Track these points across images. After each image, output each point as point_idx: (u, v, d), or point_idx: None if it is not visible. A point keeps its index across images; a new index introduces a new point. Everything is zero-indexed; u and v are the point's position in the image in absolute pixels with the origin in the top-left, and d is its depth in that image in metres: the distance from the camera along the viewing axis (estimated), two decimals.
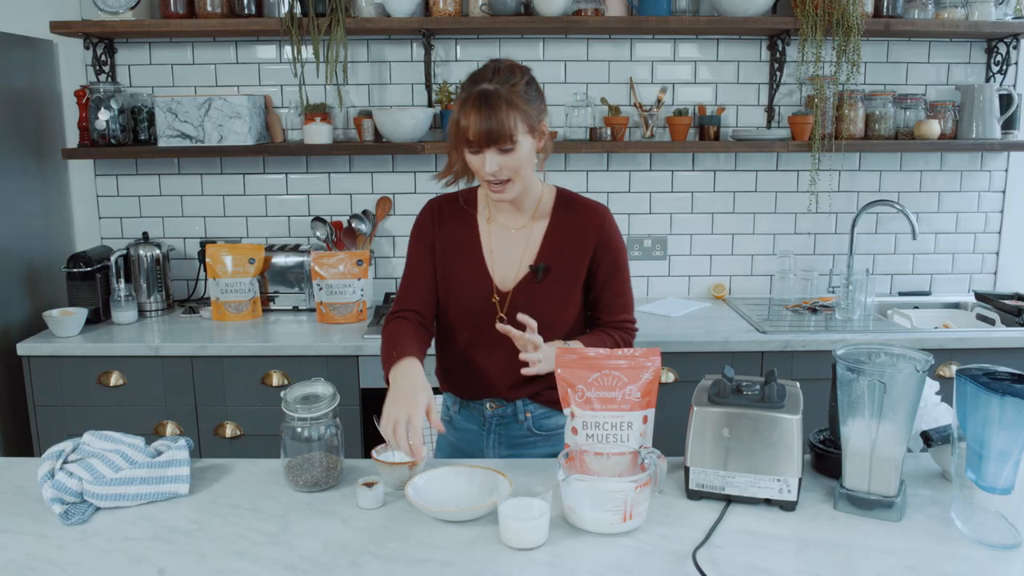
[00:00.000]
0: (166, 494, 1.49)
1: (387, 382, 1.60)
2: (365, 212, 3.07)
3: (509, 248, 1.77)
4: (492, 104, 1.58)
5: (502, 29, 2.92)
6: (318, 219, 3.02)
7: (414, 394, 1.51)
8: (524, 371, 1.62)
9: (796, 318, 2.87)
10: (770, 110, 3.11)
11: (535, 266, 1.74)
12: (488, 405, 1.81)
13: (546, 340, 1.66)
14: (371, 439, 2.61)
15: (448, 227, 1.80)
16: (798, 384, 1.53)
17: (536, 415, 1.80)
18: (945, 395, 1.67)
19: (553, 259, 1.74)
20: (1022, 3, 2.94)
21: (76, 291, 2.81)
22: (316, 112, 2.97)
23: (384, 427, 1.48)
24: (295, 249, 3.01)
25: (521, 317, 1.63)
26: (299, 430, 1.53)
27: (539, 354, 1.61)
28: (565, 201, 1.79)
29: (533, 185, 1.75)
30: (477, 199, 1.83)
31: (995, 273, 3.27)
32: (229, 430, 2.64)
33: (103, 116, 2.86)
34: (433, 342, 1.87)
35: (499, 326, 1.63)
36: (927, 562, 1.27)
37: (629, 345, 1.78)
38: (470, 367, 1.80)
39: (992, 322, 2.93)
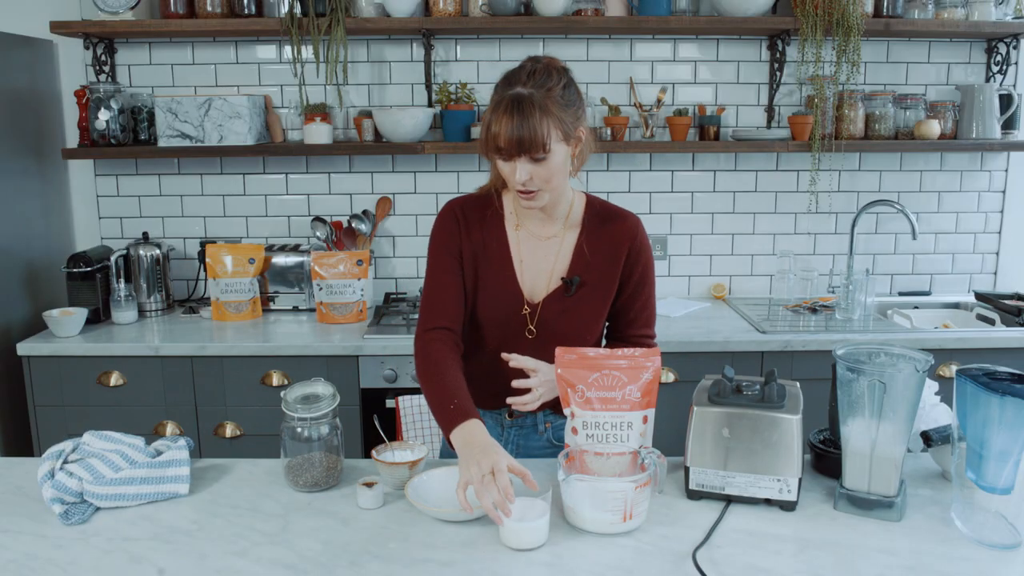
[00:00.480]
0: (166, 494, 1.49)
1: (446, 439, 1.52)
2: (365, 212, 3.07)
3: (539, 258, 1.69)
4: (525, 110, 1.47)
5: (502, 29, 2.92)
6: (318, 219, 3.02)
7: (494, 450, 1.39)
8: (513, 403, 1.56)
9: (796, 318, 2.87)
10: (770, 110, 3.11)
11: (568, 279, 1.66)
12: (507, 413, 1.75)
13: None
14: (371, 439, 2.61)
15: (475, 232, 1.69)
16: (798, 384, 1.54)
17: (556, 426, 1.76)
18: (945, 395, 1.67)
19: (585, 271, 1.67)
20: (1022, 3, 2.94)
21: (76, 291, 2.81)
22: (316, 112, 2.97)
23: (466, 483, 1.35)
24: (295, 249, 3.01)
25: (518, 362, 1.57)
26: (299, 430, 1.53)
27: (535, 393, 1.56)
28: (596, 210, 1.71)
29: (565, 193, 1.66)
30: (503, 203, 1.72)
31: (995, 273, 3.27)
32: (229, 430, 2.64)
33: (103, 116, 2.86)
34: None
35: (513, 359, 1.57)
36: (927, 562, 1.27)
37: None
38: (494, 376, 1.68)
39: (992, 322, 2.93)
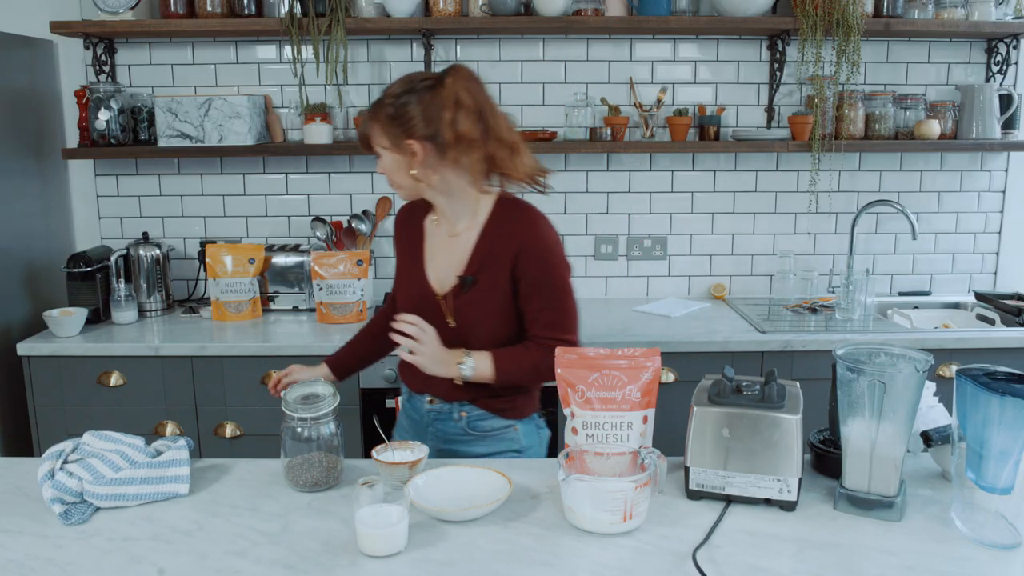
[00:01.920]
0: (166, 494, 1.49)
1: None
2: (365, 212, 3.07)
3: (446, 255, 1.80)
4: (374, 111, 1.71)
5: (502, 29, 2.92)
6: (318, 219, 3.02)
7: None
8: (400, 352, 1.73)
9: (796, 318, 2.87)
10: (770, 110, 3.11)
11: (463, 277, 1.75)
12: (428, 400, 1.84)
13: (484, 350, 1.73)
14: (371, 439, 2.61)
15: (408, 226, 1.88)
16: (798, 384, 1.53)
17: (472, 416, 1.81)
18: (944, 395, 1.67)
19: (480, 270, 1.74)
20: (1022, 3, 2.94)
21: (76, 291, 2.81)
22: (316, 112, 2.97)
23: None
24: (295, 249, 3.01)
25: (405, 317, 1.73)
26: (299, 430, 1.53)
27: (423, 347, 1.69)
28: (503, 208, 1.77)
29: (455, 195, 1.75)
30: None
31: (995, 273, 3.27)
32: (229, 430, 2.64)
33: (103, 116, 2.86)
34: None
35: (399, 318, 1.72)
36: (927, 562, 1.27)
37: (545, 364, 1.66)
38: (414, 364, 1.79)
39: (992, 322, 2.93)
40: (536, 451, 1.90)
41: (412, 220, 1.87)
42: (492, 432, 1.82)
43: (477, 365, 1.71)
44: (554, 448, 2.58)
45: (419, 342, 1.69)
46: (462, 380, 1.73)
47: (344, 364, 2.01)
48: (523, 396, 1.85)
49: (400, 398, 1.97)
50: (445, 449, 1.84)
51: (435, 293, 1.78)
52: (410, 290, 1.84)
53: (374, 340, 2.00)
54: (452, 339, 1.74)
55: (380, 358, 2.05)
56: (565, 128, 3.02)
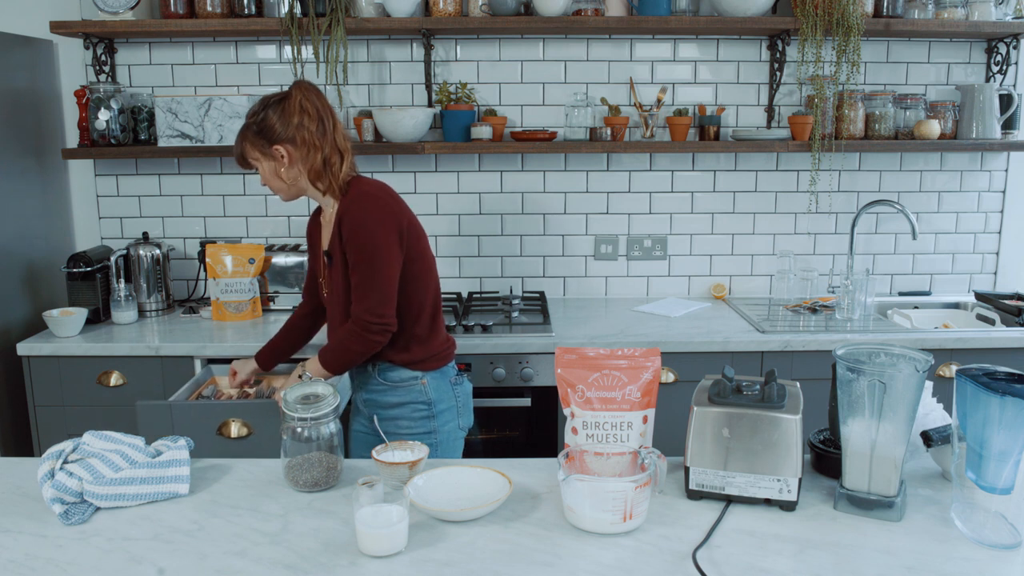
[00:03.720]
0: (166, 494, 1.49)
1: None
2: None
3: (325, 238, 2.13)
4: (238, 136, 2.05)
5: (502, 29, 2.92)
6: None
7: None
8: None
9: (796, 318, 2.87)
10: (770, 110, 3.11)
11: (325, 252, 2.10)
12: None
13: (343, 320, 2.04)
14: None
15: (314, 224, 2.21)
16: (798, 384, 1.54)
17: (380, 367, 2.10)
18: (944, 395, 1.67)
19: (332, 248, 2.04)
20: (1022, 3, 2.94)
21: (76, 291, 2.81)
22: None
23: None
24: (295, 249, 3.01)
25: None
26: (299, 430, 1.53)
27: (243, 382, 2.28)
28: (348, 193, 2.04)
29: (302, 190, 2.08)
30: None
31: (995, 273, 3.27)
32: (230, 430, 2.63)
33: (103, 116, 2.86)
34: None
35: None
36: (927, 562, 1.27)
37: (357, 341, 1.99)
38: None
39: (992, 322, 2.93)
40: (448, 404, 2.14)
41: (316, 218, 2.21)
42: (401, 383, 2.09)
43: (309, 366, 2.03)
44: (552, 446, 2.59)
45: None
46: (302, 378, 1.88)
47: (267, 357, 2.31)
48: (422, 350, 2.09)
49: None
50: (368, 400, 2.13)
51: (321, 274, 2.17)
52: (313, 274, 2.24)
53: (288, 333, 2.32)
54: (329, 308, 2.14)
55: (296, 351, 2.35)
56: (565, 128, 3.02)
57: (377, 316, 1.97)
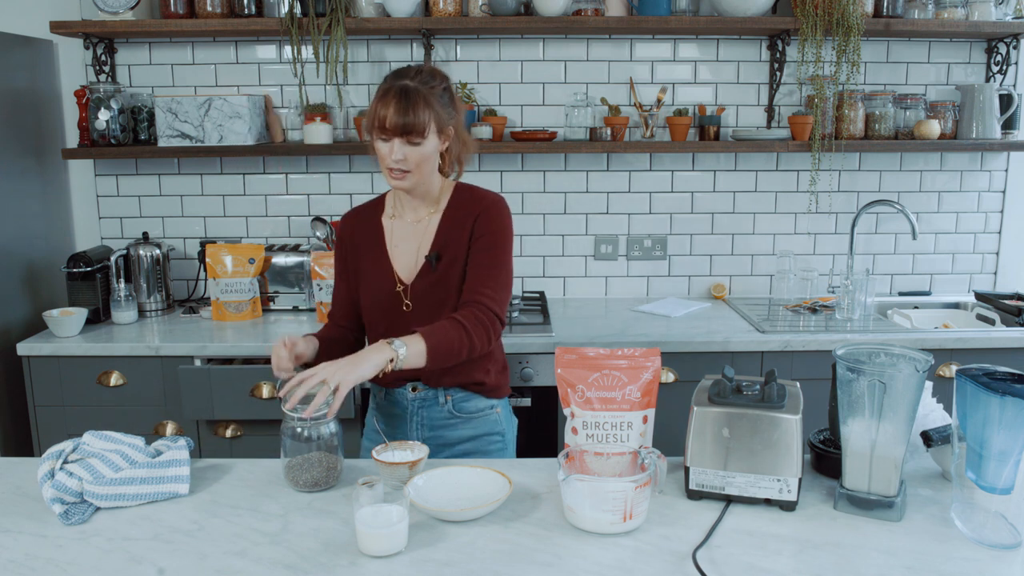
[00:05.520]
0: (166, 494, 1.49)
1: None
2: None
3: (409, 241, 1.87)
4: (412, 99, 1.70)
5: (502, 29, 2.92)
6: (318, 219, 3.02)
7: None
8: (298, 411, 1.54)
9: (796, 318, 2.87)
10: (770, 110, 3.11)
11: (429, 255, 1.83)
12: (411, 388, 1.88)
13: None
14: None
15: (358, 232, 1.92)
16: (798, 384, 1.54)
17: (456, 398, 1.88)
18: (944, 395, 1.67)
19: (444, 247, 1.83)
20: (1022, 3, 2.94)
21: (76, 291, 2.81)
22: (316, 112, 2.97)
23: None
24: (295, 249, 3.01)
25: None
26: (299, 430, 1.53)
27: (326, 373, 1.54)
28: (463, 195, 1.89)
29: (433, 181, 1.84)
30: (385, 201, 1.95)
31: (995, 273, 3.27)
32: (229, 430, 2.64)
33: (103, 116, 2.86)
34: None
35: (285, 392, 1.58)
36: (927, 562, 1.27)
37: (476, 330, 1.71)
38: None
39: (992, 322, 2.93)
40: (512, 436, 1.99)
41: (366, 224, 1.92)
42: (476, 414, 1.90)
43: (410, 352, 1.63)
44: (552, 446, 2.59)
45: (317, 380, 1.54)
46: (395, 363, 1.62)
47: (325, 345, 1.88)
48: (499, 375, 1.92)
49: (370, 402, 2.00)
50: (431, 437, 1.89)
51: (400, 281, 1.85)
52: (375, 284, 1.87)
53: (331, 343, 1.89)
54: (406, 322, 1.81)
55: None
56: (565, 128, 3.02)
57: (504, 312, 1.79)
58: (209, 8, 2.82)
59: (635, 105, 3.08)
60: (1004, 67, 3.07)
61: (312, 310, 2.99)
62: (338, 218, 3.09)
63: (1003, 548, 1.30)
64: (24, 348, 2.60)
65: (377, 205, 1.95)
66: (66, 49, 3.05)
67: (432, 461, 1.64)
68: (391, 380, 1.86)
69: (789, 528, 1.38)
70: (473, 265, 1.81)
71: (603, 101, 3.07)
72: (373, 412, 1.99)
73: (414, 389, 1.88)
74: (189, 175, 3.14)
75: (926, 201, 3.20)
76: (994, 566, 1.26)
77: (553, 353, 1.76)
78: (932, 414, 1.63)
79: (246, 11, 2.83)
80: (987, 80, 3.11)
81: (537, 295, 3.14)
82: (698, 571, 1.24)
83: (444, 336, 1.68)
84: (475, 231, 1.82)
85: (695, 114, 3.09)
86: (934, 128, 2.95)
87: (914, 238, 2.89)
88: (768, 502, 1.44)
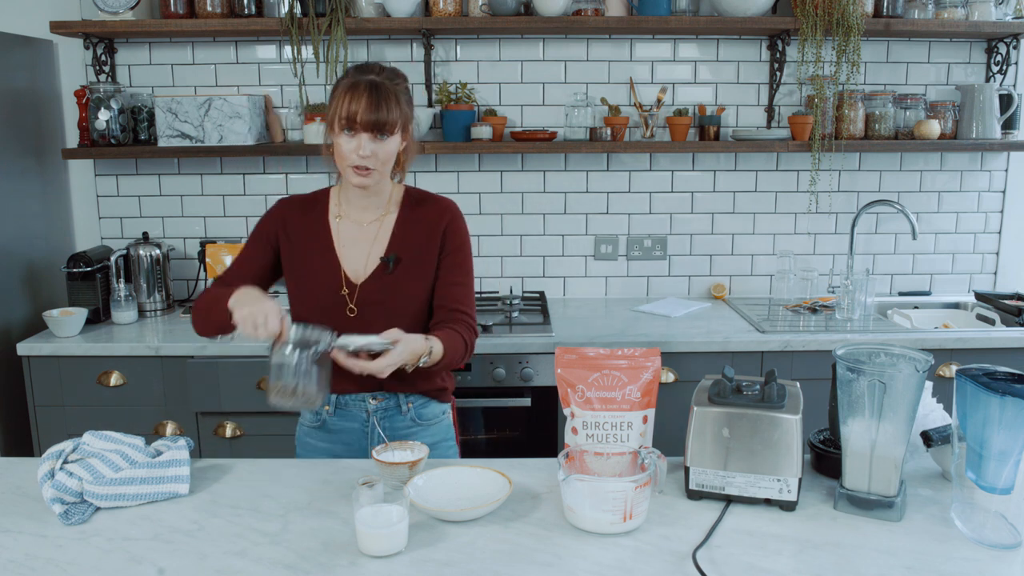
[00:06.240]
0: (166, 494, 1.49)
1: (218, 318, 1.67)
2: None
3: (360, 242, 1.81)
4: (383, 95, 1.67)
5: (502, 29, 2.92)
6: None
7: (262, 299, 1.61)
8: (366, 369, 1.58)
9: (796, 318, 2.87)
10: (770, 110, 3.11)
11: (386, 257, 1.78)
12: (371, 400, 1.82)
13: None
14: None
15: (296, 223, 1.83)
16: (798, 384, 1.54)
17: (416, 405, 1.84)
18: (944, 395, 1.67)
19: (403, 250, 1.79)
20: (1022, 3, 2.94)
21: (76, 291, 2.81)
22: (316, 112, 2.97)
23: (243, 324, 1.57)
24: None
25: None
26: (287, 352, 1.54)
27: (392, 358, 1.58)
28: (415, 197, 1.86)
29: (386, 181, 1.82)
30: (329, 198, 1.88)
31: (995, 273, 3.27)
32: (229, 430, 2.64)
33: (103, 116, 2.86)
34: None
35: (343, 360, 1.59)
36: (927, 562, 1.27)
37: (471, 343, 1.78)
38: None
39: (992, 322, 2.93)
40: (453, 438, 1.94)
41: (308, 219, 1.83)
42: (433, 420, 1.87)
43: (436, 347, 1.67)
44: (552, 446, 2.59)
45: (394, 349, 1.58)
46: (428, 358, 1.66)
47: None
48: (448, 377, 1.90)
49: (311, 417, 1.87)
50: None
51: (348, 283, 1.78)
52: (319, 285, 1.79)
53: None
54: (351, 330, 1.65)
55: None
56: (565, 128, 3.02)
57: (474, 323, 1.82)
58: (209, 8, 2.82)
59: (635, 105, 3.08)
60: (1004, 67, 3.07)
61: None
62: None
63: (1003, 548, 1.30)
64: (24, 348, 2.60)
65: (317, 201, 1.87)
66: (66, 49, 3.05)
67: (432, 461, 1.64)
68: (349, 387, 1.80)
69: (789, 528, 1.38)
70: (448, 277, 1.80)
71: (603, 101, 3.07)
72: (307, 431, 1.88)
73: (376, 399, 1.82)
74: (189, 175, 3.14)
75: (926, 201, 3.20)
76: (994, 566, 1.26)
77: (553, 353, 1.76)
78: (932, 414, 1.63)
79: (246, 11, 2.83)
80: (987, 80, 3.11)
81: (537, 295, 3.14)
82: (698, 571, 1.24)
83: (452, 344, 1.71)
84: (447, 242, 1.81)
85: (695, 114, 3.09)
86: (934, 128, 2.95)
87: (914, 238, 2.89)
88: (768, 502, 1.44)
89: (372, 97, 1.66)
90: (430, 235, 1.81)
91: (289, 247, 1.82)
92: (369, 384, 1.77)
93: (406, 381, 1.78)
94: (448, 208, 1.85)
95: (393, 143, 1.71)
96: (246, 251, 1.85)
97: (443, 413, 1.90)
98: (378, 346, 1.57)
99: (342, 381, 1.76)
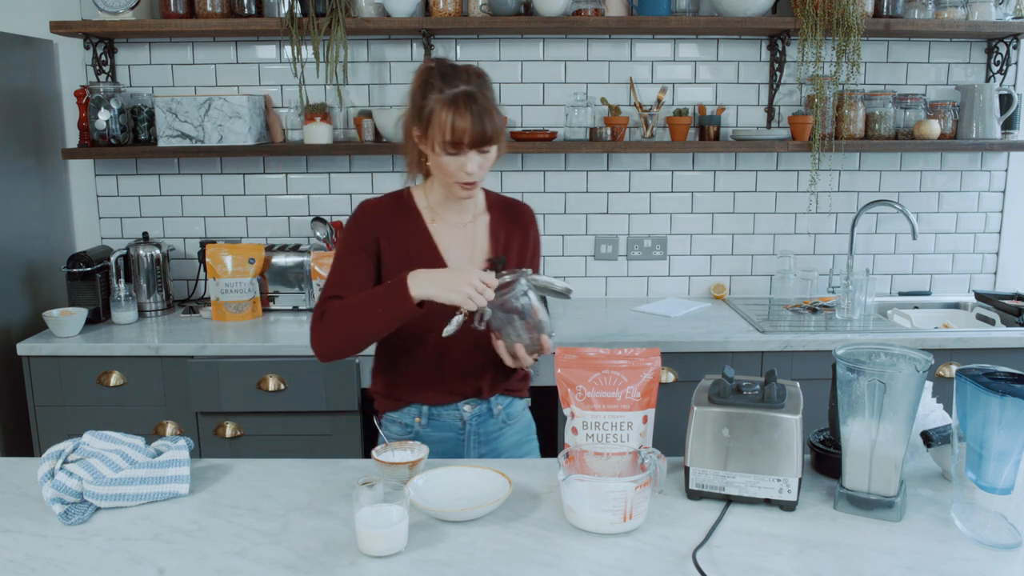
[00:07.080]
0: (166, 494, 1.49)
1: (395, 312, 1.61)
2: None
3: (460, 245, 1.80)
4: (482, 106, 1.61)
5: (502, 29, 2.92)
6: (318, 219, 3.02)
7: (446, 271, 1.62)
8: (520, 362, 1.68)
9: (796, 318, 2.87)
10: (770, 110, 3.11)
11: (495, 258, 1.77)
12: (465, 407, 1.82)
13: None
14: (371, 439, 2.61)
15: (393, 229, 1.77)
16: (798, 384, 1.54)
17: (505, 405, 1.86)
18: (944, 395, 1.67)
19: (505, 251, 1.82)
20: (1022, 3, 2.94)
21: (76, 291, 2.81)
22: (316, 112, 2.97)
23: (456, 296, 1.55)
24: (295, 249, 3.01)
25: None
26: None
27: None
28: (494, 198, 1.88)
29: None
30: (414, 199, 1.81)
31: (995, 273, 3.27)
32: (229, 430, 2.64)
33: (103, 116, 2.86)
34: (375, 358, 1.88)
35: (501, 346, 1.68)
36: (927, 562, 1.27)
37: None
38: (445, 372, 1.78)
39: (992, 322, 2.93)
40: (534, 435, 1.96)
41: (403, 226, 1.78)
42: (518, 418, 1.89)
43: None
44: (553, 446, 2.59)
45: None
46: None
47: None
48: (524, 373, 1.88)
49: (399, 430, 1.83)
50: (487, 452, 1.84)
51: None
52: None
53: None
54: (464, 334, 1.65)
55: None
56: (565, 128, 3.02)
57: None
58: (209, 8, 2.82)
59: (635, 105, 3.08)
60: (1004, 67, 3.07)
61: (312, 310, 2.99)
62: (339, 218, 3.11)
63: (1003, 548, 1.30)
64: (24, 348, 2.60)
65: (407, 206, 1.80)
66: (66, 49, 3.05)
67: (432, 461, 1.64)
68: (442, 396, 1.79)
69: (789, 528, 1.38)
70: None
71: (603, 101, 3.07)
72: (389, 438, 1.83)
73: (469, 405, 1.82)
74: (189, 175, 3.14)
75: (926, 201, 3.20)
76: (994, 566, 1.26)
77: (553, 353, 1.76)
78: (932, 414, 1.63)
79: (246, 11, 2.83)
80: (987, 80, 3.11)
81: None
82: (698, 571, 1.24)
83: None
84: (532, 242, 1.86)
85: (695, 114, 3.09)
86: (934, 128, 2.95)
87: (914, 238, 2.89)
88: (768, 502, 1.44)
89: (475, 114, 1.59)
90: (524, 236, 1.85)
91: (391, 253, 1.76)
92: (462, 391, 1.80)
93: (499, 384, 1.82)
94: (531, 210, 1.91)
95: (495, 151, 1.68)
96: (347, 262, 1.75)
97: (524, 409, 1.91)
98: (559, 286, 1.66)
99: (435, 392, 1.78)
